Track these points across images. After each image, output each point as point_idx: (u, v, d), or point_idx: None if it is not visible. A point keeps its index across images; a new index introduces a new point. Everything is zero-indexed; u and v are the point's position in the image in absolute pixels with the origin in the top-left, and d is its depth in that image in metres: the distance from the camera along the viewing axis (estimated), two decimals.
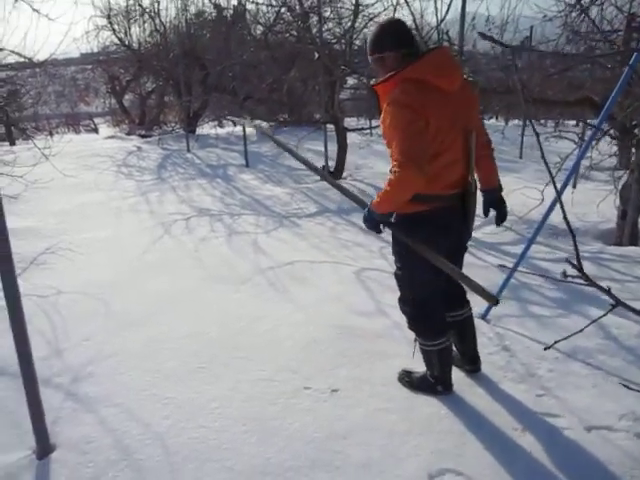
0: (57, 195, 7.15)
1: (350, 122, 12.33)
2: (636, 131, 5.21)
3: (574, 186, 6.85)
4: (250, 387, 2.56)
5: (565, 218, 1.13)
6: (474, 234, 5.48)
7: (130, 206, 6.40)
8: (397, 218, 2.23)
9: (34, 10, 4.66)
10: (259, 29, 13.11)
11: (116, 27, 13.09)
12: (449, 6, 5.18)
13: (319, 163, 8.57)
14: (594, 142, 5.14)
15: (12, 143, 15.41)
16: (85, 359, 2.83)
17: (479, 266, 4.27)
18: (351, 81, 10.42)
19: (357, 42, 10.61)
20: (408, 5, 5.42)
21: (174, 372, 2.71)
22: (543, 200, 4.78)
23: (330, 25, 8.99)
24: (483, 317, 3.30)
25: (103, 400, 2.48)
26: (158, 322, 3.26)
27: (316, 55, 8.45)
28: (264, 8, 12.11)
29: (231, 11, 12.87)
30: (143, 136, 13.40)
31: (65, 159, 10.12)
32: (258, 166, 8.99)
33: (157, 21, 13.62)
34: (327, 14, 8.68)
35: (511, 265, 4.38)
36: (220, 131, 14.10)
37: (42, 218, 6.00)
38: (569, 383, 2.55)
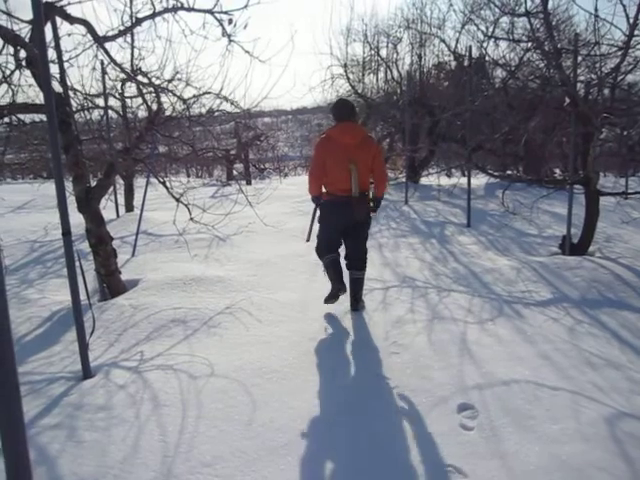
0: (264, 241, 6.94)
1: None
2: None
3: None
4: None
5: None
6: None
7: None
8: (323, 200, 4.21)
9: (245, 51, 4.36)
10: (498, 77, 12.04)
11: (351, 76, 13.32)
12: None
13: (559, 230, 7.03)
14: None
15: (249, 182, 16.64)
16: None
17: None
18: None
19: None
20: None
21: None
22: None
23: (585, 62, 7.40)
24: None
25: None
26: (297, 461, 2.34)
27: (567, 100, 7.06)
28: (505, 53, 11.00)
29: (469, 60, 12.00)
30: None
31: (283, 202, 10.21)
32: (481, 227, 7.76)
33: (394, 70, 13.55)
34: (584, 52, 7.23)
35: None
36: (445, 181, 13.12)
37: (238, 267, 5.70)
38: None
